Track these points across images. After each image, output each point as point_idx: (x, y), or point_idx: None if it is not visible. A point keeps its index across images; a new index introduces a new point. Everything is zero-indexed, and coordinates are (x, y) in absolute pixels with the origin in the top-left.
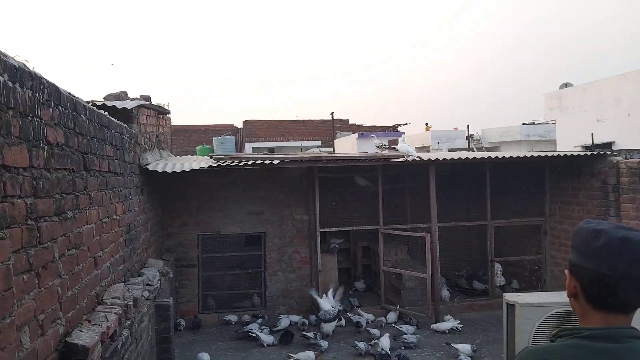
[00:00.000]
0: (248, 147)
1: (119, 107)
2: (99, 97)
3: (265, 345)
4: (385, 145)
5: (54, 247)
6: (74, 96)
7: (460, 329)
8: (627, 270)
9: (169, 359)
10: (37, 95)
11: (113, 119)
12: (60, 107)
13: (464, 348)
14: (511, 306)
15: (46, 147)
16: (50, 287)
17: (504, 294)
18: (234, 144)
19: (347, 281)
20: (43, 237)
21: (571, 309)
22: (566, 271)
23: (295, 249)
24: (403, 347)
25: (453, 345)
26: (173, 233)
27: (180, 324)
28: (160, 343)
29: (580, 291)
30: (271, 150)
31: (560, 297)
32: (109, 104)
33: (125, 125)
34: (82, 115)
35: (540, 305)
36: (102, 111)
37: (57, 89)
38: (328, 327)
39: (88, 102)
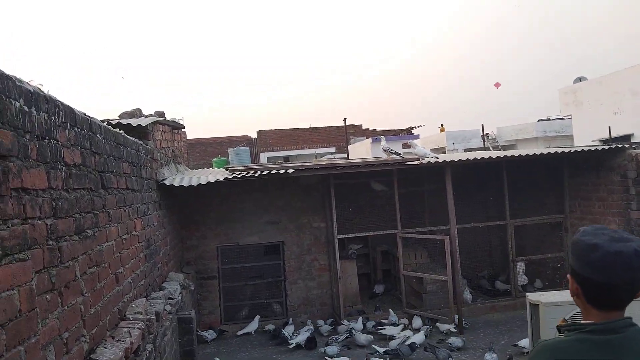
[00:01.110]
0: (263, 157)
1: (134, 124)
2: (112, 113)
3: (293, 344)
4: (392, 150)
5: (75, 266)
6: (89, 116)
7: None
8: (621, 278)
9: None
10: (53, 117)
11: (129, 136)
12: (76, 128)
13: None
14: (535, 306)
15: (64, 168)
16: (73, 305)
17: (527, 293)
18: (249, 154)
19: (367, 287)
20: (64, 256)
21: None
22: (568, 275)
23: (314, 257)
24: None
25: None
26: (192, 246)
27: (205, 337)
28: (184, 356)
29: (580, 293)
30: (286, 159)
31: None
32: (124, 122)
33: (141, 142)
34: (98, 135)
35: (564, 304)
36: (117, 129)
37: (72, 110)
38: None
39: (103, 121)
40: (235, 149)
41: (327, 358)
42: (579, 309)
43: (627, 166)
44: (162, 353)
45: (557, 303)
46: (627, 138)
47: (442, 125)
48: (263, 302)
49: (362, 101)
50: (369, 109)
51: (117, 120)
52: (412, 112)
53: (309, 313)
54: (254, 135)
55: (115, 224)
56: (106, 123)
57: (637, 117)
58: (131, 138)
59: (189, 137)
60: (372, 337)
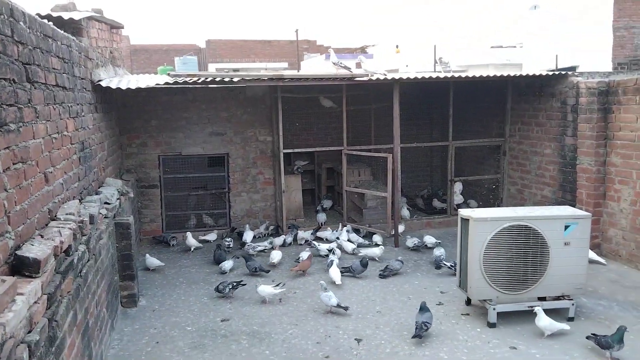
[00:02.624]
0: (212, 67)
1: (66, 17)
2: (47, 10)
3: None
4: (341, 63)
5: None
6: (10, 1)
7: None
8: None
9: (131, 275)
10: None
11: (58, 30)
12: None
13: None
14: (465, 220)
15: None
16: None
17: (460, 209)
18: (197, 64)
19: (311, 202)
20: None
21: (522, 223)
22: None
23: (259, 170)
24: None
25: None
26: (132, 153)
27: (172, 242)
28: (122, 260)
29: None
30: (235, 71)
31: (512, 212)
32: (54, 14)
33: (73, 38)
34: (21, 23)
35: (493, 220)
36: (46, 21)
37: None
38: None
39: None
40: (182, 57)
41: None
42: (506, 225)
43: (567, 93)
44: (97, 255)
45: (486, 218)
46: (572, 69)
47: (397, 46)
48: (207, 212)
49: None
50: (325, 24)
51: (48, 13)
52: (369, 31)
53: (251, 224)
54: (202, 45)
55: (44, 122)
56: (35, 14)
57: (584, 49)
58: (61, 32)
59: (132, 42)
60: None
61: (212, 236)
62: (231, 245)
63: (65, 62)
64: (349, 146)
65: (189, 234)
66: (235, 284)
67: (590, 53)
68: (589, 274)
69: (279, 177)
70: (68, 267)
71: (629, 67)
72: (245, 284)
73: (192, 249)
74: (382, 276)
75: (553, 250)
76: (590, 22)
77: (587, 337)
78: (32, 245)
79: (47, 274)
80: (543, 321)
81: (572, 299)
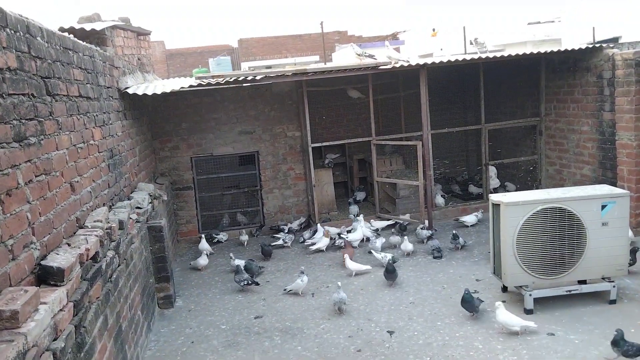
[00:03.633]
0: (244, 66)
1: (88, 29)
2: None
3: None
4: (365, 53)
5: (17, 174)
6: (26, 18)
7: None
8: None
9: (166, 277)
10: None
11: (79, 41)
12: (8, 30)
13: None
14: (496, 206)
15: None
16: (17, 213)
17: (490, 195)
18: (230, 64)
19: (344, 194)
20: (1, 163)
21: (556, 205)
22: None
23: (290, 166)
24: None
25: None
26: (165, 157)
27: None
28: (157, 262)
29: None
30: (268, 67)
31: (545, 194)
32: (77, 27)
33: (97, 48)
34: (39, 38)
35: (524, 203)
36: (66, 34)
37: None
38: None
39: (63, 30)
40: (215, 58)
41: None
42: (539, 208)
43: (603, 66)
44: (129, 259)
45: (518, 202)
46: (615, 40)
47: (434, 29)
48: (242, 210)
49: (350, 5)
50: (357, 14)
51: (71, 26)
52: (402, 17)
53: (285, 220)
54: (235, 45)
55: (67, 133)
56: (58, 28)
57: (627, 20)
58: (83, 43)
59: (168, 47)
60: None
61: (244, 237)
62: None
63: (89, 73)
64: (378, 136)
65: (202, 238)
66: (249, 282)
67: (633, 22)
68: None
69: (309, 171)
70: (95, 273)
71: None
72: (258, 284)
73: (207, 254)
74: (437, 257)
75: (590, 232)
76: None
77: (612, 343)
78: (58, 254)
79: (72, 281)
80: (502, 317)
81: (613, 281)
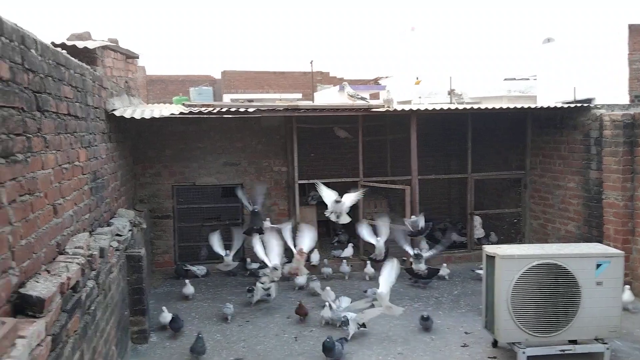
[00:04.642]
0: (226, 98)
1: (80, 46)
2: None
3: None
4: (358, 95)
5: (1, 192)
6: (22, 28)
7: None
8: None
9: (142, 310)
10: None
11: (72, 58)
12: (3, 38)
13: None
14: (491, 258)
15: None
16: None
17: (484, 245)
18: (212, 95)
19: (326, 233)
20: None
21: (551, 261)
22: None
23: (274, 201)
24: None
25: None
26: (146, 183)
27: (195, 272)
28: (133, 294)
29: None
30: (250, 101)
31: (540, 250)
32: (68, 43)
33: (88, 67)
34: (33, 50)
35: (520, 257)
36: (59, 49)
37: None
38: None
39: (55, 46)
40: (197, 88)
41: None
42: (535, 263)
43: (590, 125)
44: (107, 290)
45: (513, 256)
46: (589, 101)
47: (417, 77)
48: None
49: (332, 47)
50: (338, 56)
51: (62, 42)
52: (384, 63)
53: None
54: (218, 76)
55: (54, 152)
56: (50, 42)
57: (600, 81)
58: (75, 60)
59: (148, 73)
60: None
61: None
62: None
63: (79, 91)
64: (365, 177)
65: (187, 282)
66: None
67: (605, 85)
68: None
69: (293, 207)
70: (75, 304)
71: None
72: None
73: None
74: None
75: (585, 291)
76: (605, 55)
77: None
78: (37, 282)
79: (52, 313)
80: None
81: (606, 343)
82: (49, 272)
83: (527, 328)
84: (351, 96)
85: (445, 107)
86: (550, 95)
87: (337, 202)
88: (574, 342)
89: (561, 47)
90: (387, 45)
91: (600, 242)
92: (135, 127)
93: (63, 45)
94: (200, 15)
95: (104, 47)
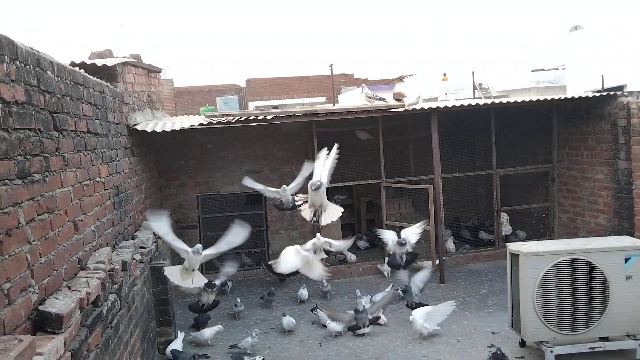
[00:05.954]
0: (252, 105)
1: (100, 64)
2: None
3: None
4: (376, 96)
5: (19, 212)
6: (37, 51)
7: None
8: None
9: (168, 320)
10: None
11: (90, 76)
12: (17, 62)
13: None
14: (515, 256)
15: (0, 105)
16: (16, 254)
17: (508, 243)
18: (238, 103)
19: (351, 236)
20: (3, 201)
21: (577, 256)
22: None
23: None
24: None
25: None
26: (171, 195)
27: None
28: (159, 305)
29: None
30: (274, 107)
31: (565, 245)
32: (88, 62)
33: (107, 84)
34: (49, 72)
35: (545, 254)
36: (77, 69)
37: (11, 42)
38: None
39: (74, 65)
40: (223, 97)
41: None
42: (560, 259)
43: (617, 114)
44: (131, 303)
45: (538, 253)
46: (619, 89)
47: (444, 74)
48: (246, 251)
49: (356, 49)
50: (362, 57)
51: (82, 61)
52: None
53: None
54: (243, 84)
55: (73, 169)
56: (69, 63)
57: (632, 68)
58: (93, 78)
59: (176, 85)
60: None
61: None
62: None
63: (98, 108)
64: (387, 178)
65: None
66: None
67: (636, 72)
68: None
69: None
70: (96, 319)
71: None
72: None
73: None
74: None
75: (613, 286)
76: (636, 40)
77: None
78: (57, 298)
79: (71, 328)
80: None
81: (639, 339)
82: (69, 288)
83: (553, 326)
84: (369, 97)
85: (466, 103)
86: (581, 84)
87: (401, 244)
88: (604, 339)
89: (590, 34)
90: (410, 42)
91: (632, 234)
92: (159, 140)
93: (83, 65)
94: (225, 25)
95: (125, 64)
